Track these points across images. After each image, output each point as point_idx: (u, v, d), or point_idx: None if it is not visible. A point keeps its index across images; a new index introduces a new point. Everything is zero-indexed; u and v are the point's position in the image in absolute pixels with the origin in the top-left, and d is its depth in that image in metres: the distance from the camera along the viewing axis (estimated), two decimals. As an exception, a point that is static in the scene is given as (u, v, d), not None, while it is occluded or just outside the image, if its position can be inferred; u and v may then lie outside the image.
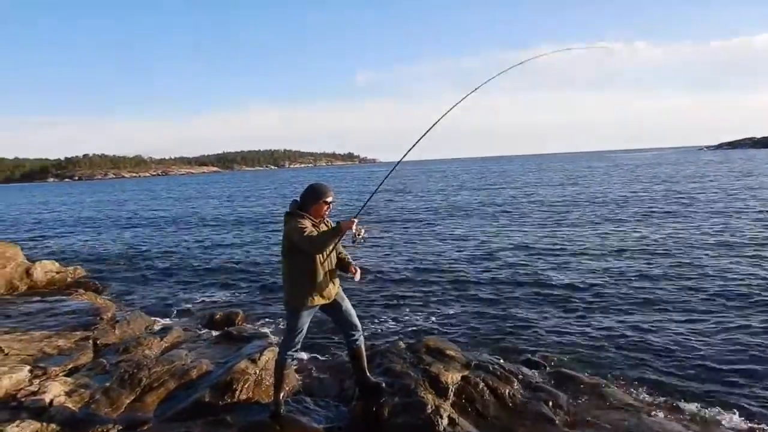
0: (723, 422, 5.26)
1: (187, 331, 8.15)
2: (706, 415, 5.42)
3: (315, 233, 4.51)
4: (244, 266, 14.77)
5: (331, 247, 4.66)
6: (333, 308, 5.04)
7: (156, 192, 68.51)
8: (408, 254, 15.11)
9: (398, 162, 5.27)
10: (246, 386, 5.61)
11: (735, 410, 5.47)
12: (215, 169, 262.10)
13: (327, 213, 4.83)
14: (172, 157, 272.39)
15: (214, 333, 8.05)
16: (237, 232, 22.85)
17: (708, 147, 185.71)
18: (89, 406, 5.35)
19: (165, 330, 7.84)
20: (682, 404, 5.65)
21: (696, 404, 5.65)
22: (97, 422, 5.02)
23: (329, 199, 4.74)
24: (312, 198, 4.73)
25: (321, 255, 4.64)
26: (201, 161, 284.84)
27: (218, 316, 9.19)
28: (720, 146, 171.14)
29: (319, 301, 4.77)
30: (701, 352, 7.05)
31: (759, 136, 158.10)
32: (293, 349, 4.96)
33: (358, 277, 4.91)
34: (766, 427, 5.13)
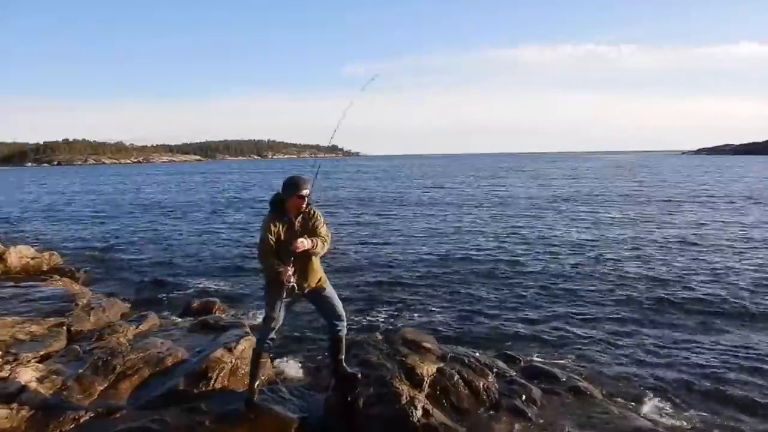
0: (691, 419, 5.33)
1: (164, 319, 8.10)
2: (676, 409, 5.51)
3: (271, 239, 4.58)
4: (223, 255, 14.70)
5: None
6: (315, 298, 5.05)
7: (136, 179, 67.72)
8: (385, 250, 15.13)
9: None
10: (221, 375, 5.59)
11: (710, 408, 5.55)
12: (197, 157, 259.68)
13: (305, 206, 4.72)
14: (154, 145, 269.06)
15: (191, 321, 7.98)
16: (216, 221, 22.70)
17: (687, 152, 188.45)
18: (61, 393, 5.29)
19: (141, 317, 7.76)
20: (653, 398, 5.75)
21: (667, 397, 5.75)
22: (69, 409, 4.97)
23: (303, 193, 4.65)
24: (286, 192, 4.70)
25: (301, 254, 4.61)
26: (183, 149, 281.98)
27: (195, 304, 9.14)
28: (699, 152, 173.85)
29: (286, 292, 4.73)
30: (675, 347, 7.17)
31: (737, 143, 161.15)
32: (269, 337, 4.95)
33: (298, 246, 4.55)
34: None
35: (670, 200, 26.72)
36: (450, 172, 68.29)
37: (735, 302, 9.14)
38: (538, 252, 14.05)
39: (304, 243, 4.43)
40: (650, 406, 5.63)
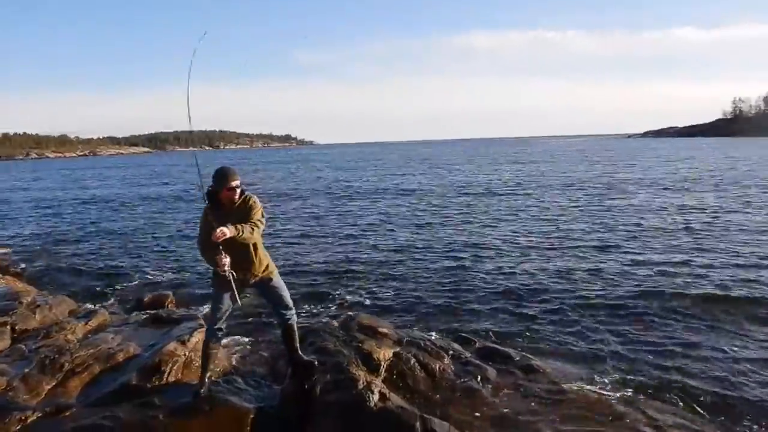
0: (644, 398, 5.49)
1: (114, 315, 7.90)
2: (627, 388, 5.67)
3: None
4: (174, 248, 14.42)
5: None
6: (262, 288, 5.02)
7: (82, 173, 65.60)
8: (339, 239, 15.11)
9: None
10: (175, 368, 5.50)
11: (657, 388, 5.71)
12: (146, 149, 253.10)
13: (237, 197, 4.64)
14: (101, 137, 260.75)
15: (143, 316, 7.81)
16: (165, 213, 22.22)
17: (634, 135, 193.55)
18: (7, 394, 5.11)
19: (90, 314, 7.55)
20: (604, 376, 5.92)
21: (617, 376, 5.93)
22: (15, 409, 4.81)
23: (232, 185, 4.58)
24: (216, 185, 4.65)
25: (238, 243, 4.54)
26: (131, 141, 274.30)
27: (147, 298, 8.95)
28: (645, 134, 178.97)
29: (232, 281, 4.67)
30: (624, 327, 7.39)
31: (681, 125, 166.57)
32: (216, 326, 4.91)
33: (217, 235, 4.34)
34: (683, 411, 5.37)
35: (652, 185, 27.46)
36: (403, 160, 68.55)
37: (697, 283, 9.49)
38: (492, 237, 14.26)
39: (224, 231, 4.30)
40: (602, 381, 5.79)
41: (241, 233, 4.44)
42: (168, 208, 24.15)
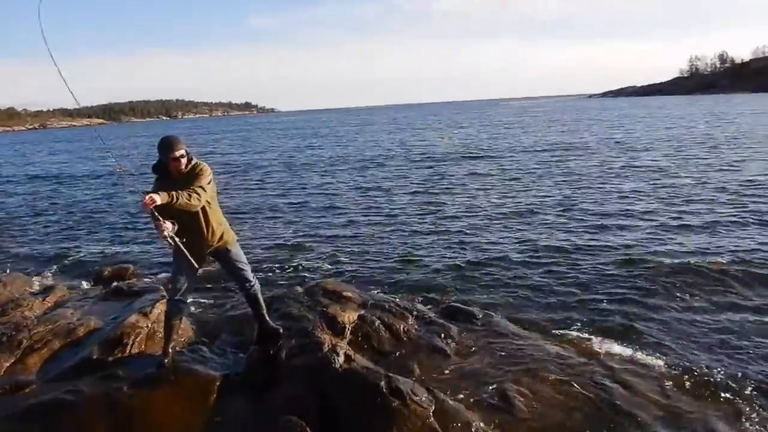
0: (602, 348, 5.66)
1: (73, 290, 7.76)
2: (584, 340, 5.85)
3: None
4: (133, 220, 14.13)
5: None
6: (221, 258, 5.01)
7: (31, 148, 63.35)
8: (300, 206, 15.04)
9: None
10: (138, 340, 5.44)
11: (615, 338, 5.90)
12: (101, 121, 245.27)
13: (184, 166, 4.55)
14: (51, 109, 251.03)
15: (103, 289, 7.69)
16: (118, 186, 21.66)
17: (595, 95, 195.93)
18: (-37, 373, 5.00)
19: (47, 290, 7.40)
20: (566, 330, 6.08)
21: (576, 330, 6.10)
22: (-28, 388, 4.70)
23: (176, 155, 4.48)
24: (162, 155, 4.56)
25: (183, 211, 4.45)
26: (84, 113, 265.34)
27: (107, 272, 8.79)
28: (605, 94, 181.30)
29: (188, 252, 4.62)
30: (586, 283, 7.56)
31: (639, 84, 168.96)
32: (177, 298, 4.87)
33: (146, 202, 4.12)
34: (642, 355, 5.55)
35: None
36: (364, 127, 68.14)
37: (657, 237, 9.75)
38: (453, 201, 14.37)
39: (153, 198, 4.10)
40: (563, 335, 5.94)
41: (175, 200, 4.24)
42: (124, 182, 23.57)
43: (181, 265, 4.77)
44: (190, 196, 4.36)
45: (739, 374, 5.04)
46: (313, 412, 4.17)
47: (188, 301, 5.25)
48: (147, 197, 4.10)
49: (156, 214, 4.31)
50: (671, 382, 4.86)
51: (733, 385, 4.85)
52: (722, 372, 5.07)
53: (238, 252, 5.04)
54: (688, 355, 5.47)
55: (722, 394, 4.71)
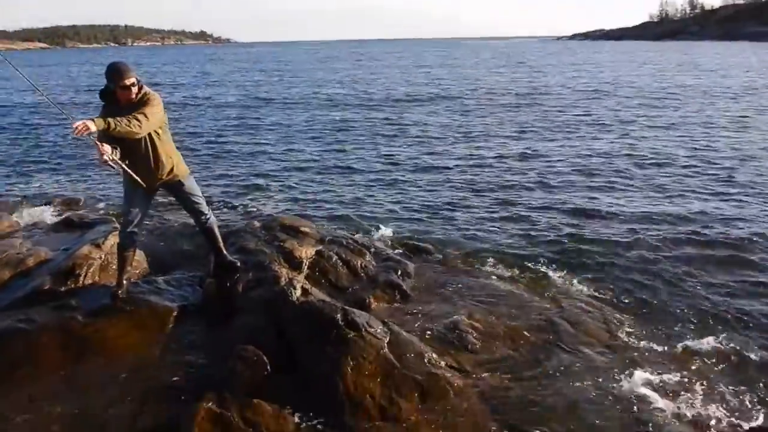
0: (554, 285, 5.89)
1: (21, 220, 7.54)
2: (537, 278, 6.05)
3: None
4: (82, 150, 13.63)
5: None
6: (174, 191, 4.94)
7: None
8: (259, 139, 14.82)
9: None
10: (91, 271, 5.36)
11: (566, 277, 6.11)
12: (43, 45, 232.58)
13: (134, 95, 4.37)
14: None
15: (53, 220, 7.51)
16: (62, 117, 20.77)
17: (563, 38, 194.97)
18: None
19: (-7, 221, 7.17)
20: (518, 269, 6.26)
21: (528, 268, 6.29)
22: None
23: (125, 83, 4.29)
24: (108, 83, 4.38)
25: (133, 140, 4.36)
26: (24, 36, 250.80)
27: (57, 202, 8.56)
28: (573, 37, 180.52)
29: (138, 183, 4.56)
30: (537, 224, 7.77)
31: (608, 28, 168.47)
32: (129, 229, 4.80)
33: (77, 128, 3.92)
34: (591, 292, 5.79)
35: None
36: (320, 61, 66.69)
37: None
38: (413, 140, 14.38)
39: (86, 124, 3.90)
40: (517, 274, 6.12)
41: (113, 127, 4.04)
42: (70, 109, 22.59)
43: (133, 197, 4.70)
44: (129, 122, 4.15)
45: (685, 309, 5.33)
46: (269, 343, 4.24)
47: (141, 232, 5.18)
48: (79, 123, 3.89)
49: (96, 140, 4.16)
50: (617, 320, 5.11)
51: (677, 320, 5.15)
52: (669, 309, 5.37)
53: (191, 185, 4.96)
54: (636, 292, 5.72)
55: (665, 330, 4.99)
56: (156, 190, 4.90)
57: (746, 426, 3.73)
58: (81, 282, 5.23)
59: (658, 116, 17.14)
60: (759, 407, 3.91)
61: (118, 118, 4.12)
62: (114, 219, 6.95)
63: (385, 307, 5.09)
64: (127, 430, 3.51)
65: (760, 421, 3.78)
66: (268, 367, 4.01)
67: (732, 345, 4.68)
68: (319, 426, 3.55)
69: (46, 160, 12.89)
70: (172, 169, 4.73)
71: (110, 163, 4.31)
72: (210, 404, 3.53)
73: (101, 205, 8.80)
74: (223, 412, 3.47)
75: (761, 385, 4.19)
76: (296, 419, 3.57)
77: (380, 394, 3.75)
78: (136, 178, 4.50)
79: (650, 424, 3.66)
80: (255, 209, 8.56)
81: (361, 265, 5.71)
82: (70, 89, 33.52)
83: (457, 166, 11.22)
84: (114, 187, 9.71)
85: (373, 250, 6.18)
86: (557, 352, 4.48)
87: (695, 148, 12.29)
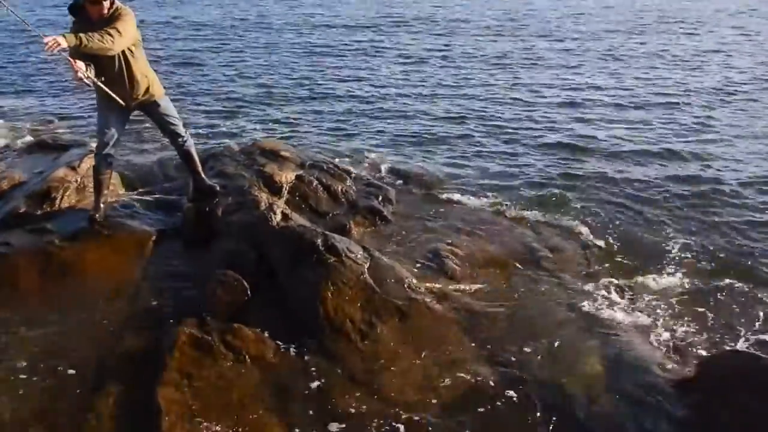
0: (534, 215, 5.85)
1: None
2: (519, 208, 6.01)
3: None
4: (55, 66, 13.10)
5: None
6: (149, 112, 4.80)
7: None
8: (240, 60, 14.37)
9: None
10: (67, 194, 5.25)
11: (547, 207, 6.08)
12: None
13: (106, 11, 4.14)
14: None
15: (26, 141, 7.30)
16: (28, 33, 19.87)
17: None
18: None
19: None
20: (499, 197, 6.23)
21: (510, 198, 6.28)
22: None
23: None
24: None
25: (106, 59, 4.20)
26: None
27: (30, 124, 8.31)
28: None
29: (113, 104, 4.44)
30: (519, 155, 7.70)
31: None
32: (105, 152, 4.68)
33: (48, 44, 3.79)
34: (571, 222, 5.79)
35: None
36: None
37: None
38: (395, 67, 14.01)
39: (57, 40, 3.75)
40: (498, 203, 6.09)
41: (85, 42, 3.87)
42: (38, 28, 21.65)
43: (107, 117, 4.56)
44: (102, 37, 3.96)
45: (661, 241, 5.41)
46: (249, 267, 4.25)
47: (117, 155, 5.05)
48: (50, 39, 3.75)
49: (69, 57, 4.01)
50: (597, 249, 5.20)
51: (654, 250, 5.23)
52: (644, 239, 5.46)
53: (167, 106, 4.82)
54: (617, 225, 5.75)
55: (642, 261, 5.07)
56: (131, 111, 4.76)
57: (713, 350, 3.87)
58: (57, 205, 5.14)
59: (656, 46, 16.78)
60: (722, 332, 4.06)
61: (90, 34, 3.93)
62: (89, 141, 6.76)
63: (365, 232, 5.09)
64: (107, 353, 3.55)
65: (726, 344, 3.93)
66: (249, 292, 4.03)
67: (702, 278, 4.78)
68: (299, 350, 3.61)
69: (17, 80, 12.36)
70: (147, 89, 4.58)
71: (85, 80, 4.19)
72: (191, 328, 3.56)
73: (75, 126, 8.54)
74: (203, 337, 3.51)
75: (727, 313, 4.32)
76: (277, 343, 3.62)
77: (360, 318, 3.80)
78: (113, 95, 4.36)
79: (620, 345, 3.79)
80: (233, 131, 8.38)
81: (341, 190, 5.66)
82: (37, 5, 31.99)
83: (441, 94, 10.96)
84: (89, 108, 9.42)
85: (354, 175, 6.12)
86: (536, 278, 4.56)
87: (687, 81, 12.04)
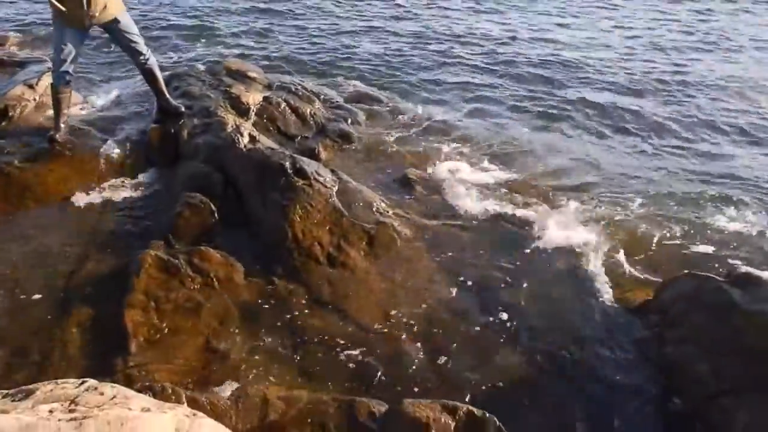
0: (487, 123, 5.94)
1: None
2: (479, 121, 6.05)
3: None
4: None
5: None
6: (110, 30, 4.62)
7: None
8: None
9: None
10: (24, 113, 5.08)
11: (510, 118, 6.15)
12: None
13: None
14: None
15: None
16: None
17: None
18: None
19: None
20: (465, 117, 6.22)
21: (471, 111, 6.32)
22: None
23: None
24: None
25: None
26: None
27: (-18, 39, 7.86)
28: None
29: (71, 20, 4.26)
30: (497, 85, 7.53)
31: None
32: (63, 69, 4.51)
33: None
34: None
35: None
36: None
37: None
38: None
39: None
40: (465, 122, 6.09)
41: None
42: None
43: (63, 33, 4.37)
44: None
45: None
46: (216, 189, 4.21)
47: (76, 72, 4.86)
48: None
49: None
50: (562, 172, 5.27)
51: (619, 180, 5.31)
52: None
53: (127, 23, 4.61)
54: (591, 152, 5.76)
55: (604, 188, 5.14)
56: (89, 28, 4.55)
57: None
58: (15, 124, 4.97)
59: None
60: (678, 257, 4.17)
61: None
62: (47, 59, 6.46)
63: (334, 155, 5.04)
64: (72, 277, 3.52)
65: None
66: (216, 215, 4.00)
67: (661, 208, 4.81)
68: (267, 273, 3.63)
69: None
70: (105, 6, 4.37)
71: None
72: (157, 251, 3.54)
73: (32, 43, 8.12)
74: (170, 259, 3.49)
75: (685, 239, 4.39)
76: (244, 266, 3.63)
77: (328, 241, 3.82)
78: (62, 8, 4.13)
79: (583, 270, 3.88)
80: (198, 51, 8.03)
81: (310, 112, 5.54)
82: None
83: (413, 15, 10.65)
84: (46, 23, 8.94)
85: (322, 96, 5.99)
86: (501, 198, 4.58)
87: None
